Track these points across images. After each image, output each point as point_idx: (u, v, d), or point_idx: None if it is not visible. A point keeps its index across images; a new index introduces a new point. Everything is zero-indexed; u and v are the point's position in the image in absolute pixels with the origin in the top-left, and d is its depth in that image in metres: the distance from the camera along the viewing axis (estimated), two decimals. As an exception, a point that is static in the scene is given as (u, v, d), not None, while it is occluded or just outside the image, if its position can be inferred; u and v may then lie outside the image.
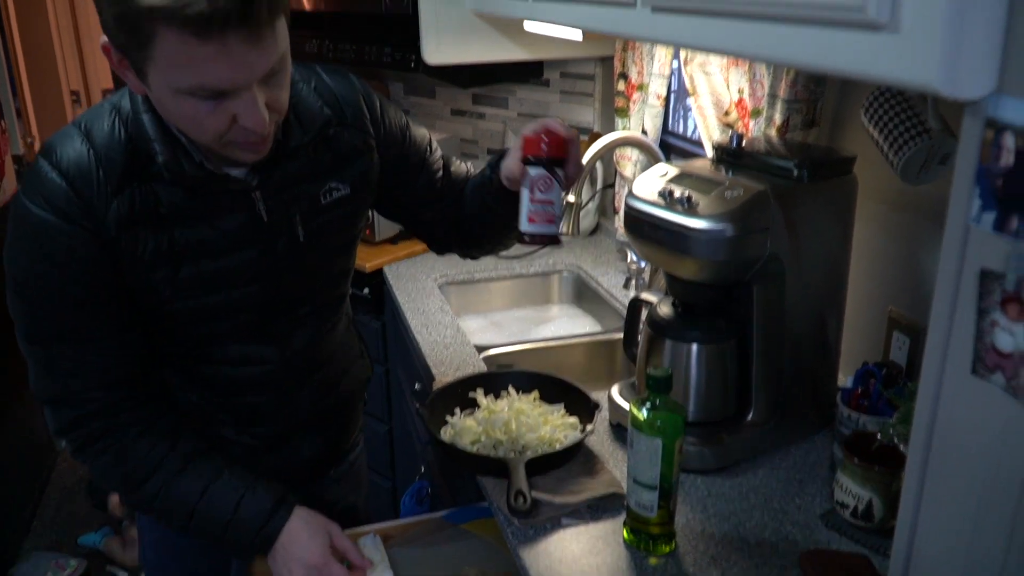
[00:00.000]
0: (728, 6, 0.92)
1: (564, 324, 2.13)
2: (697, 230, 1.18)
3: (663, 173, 1.32)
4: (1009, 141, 0.63)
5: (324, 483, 1.45)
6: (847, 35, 0.75)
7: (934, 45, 0.65)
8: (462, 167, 1.40)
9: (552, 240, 1.17)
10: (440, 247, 1.46)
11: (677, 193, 1.24)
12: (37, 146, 3.37)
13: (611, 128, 2.29)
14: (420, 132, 1.34)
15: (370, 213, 2.24)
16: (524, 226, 1.16)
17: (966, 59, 0.64)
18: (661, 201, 1.25)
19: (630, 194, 1.31)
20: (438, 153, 1.36)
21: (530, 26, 1.86)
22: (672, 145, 2.15)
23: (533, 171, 1.15)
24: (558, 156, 1.15)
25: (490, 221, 1.31)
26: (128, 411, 1.13)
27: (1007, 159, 0.63)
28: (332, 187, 1.19)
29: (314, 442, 1.36)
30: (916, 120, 1.09)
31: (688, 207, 1.20)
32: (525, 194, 1.16)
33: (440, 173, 1.35)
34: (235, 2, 0.87)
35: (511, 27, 2.05)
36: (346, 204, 1.22)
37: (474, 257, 1.48)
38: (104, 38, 0.95)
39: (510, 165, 1.19)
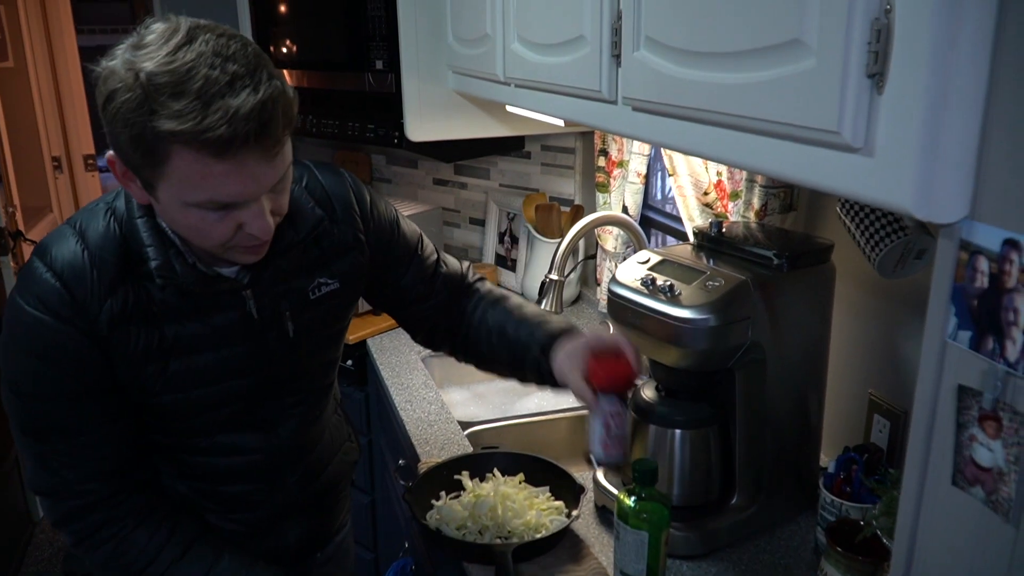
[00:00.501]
0: (707, 114, 0.95)
1: (547, 396, 2.13)
2: (680, 319, 1.20)
3: (644, 260, 1.35)
4: (983, 265, 0.65)
5: (311, 564, 1.44)
6: (822, 153, 0.78)
7: (908, 171, 0.68)
8: (456, 266, 1.41)
9: (621, 462, 1.19)
10: (431, 344, 1.45)
11: (660, 281, 1.26)
12: (19, 216, 3.36)
13: (592, 199, 2.34)
14: (410, 228, 1.35)
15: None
16: (597, 453, 1.16)
17: (940, 184, 0.67)
18: (644, 289, 1.27)
19: (613, 280, 1.34)
20: (429, 249, 1.37)
21: (513, 108, 1.90)
22: (653, 220, 2.19)
23: (607, 404, 1.14)
24: (631, 387, 1.17)
25: (515, 370, 1.34)
26: (125, 500, 1.14)
27: (981, 281, 0.66)
28: (321, 282, 1.20)
29: (301, 526, 1.35)
30: (892, 218, 1.12)
31: (671, 296, 1.23)
32: (598, 425, 1.15)
33: (432, 270, 1.36)
34: (254, 124, 0.90)
35: (493, 105, 2.10)
36: (335, 298, 1.23)
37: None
38: (111, 152, 0.97)
39: (578, 386, 1.18)
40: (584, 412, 1.89)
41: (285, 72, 2.48)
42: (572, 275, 2.41)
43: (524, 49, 1.52)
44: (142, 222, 1.05)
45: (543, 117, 1.72)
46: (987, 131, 0.64)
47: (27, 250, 3.29)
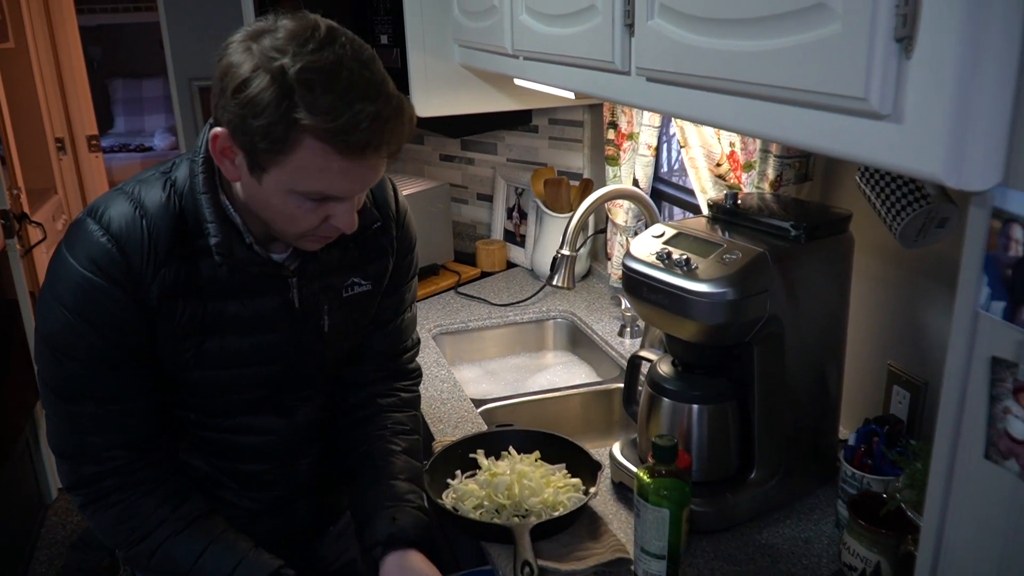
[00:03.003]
0: (725, 83, 0.92)
1: (560, 372, 2.12)
2: (697, 293, 1.19)
3: (659, 234, 1.33)
4: (1018, 233, 0.63)
5: (323, 540, 1.45)
6: (847, 120, 0.76)
7: (939, 137, 0.66)
8: (410, 333, 1.38)
9: None
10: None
11: (675, 255, 1.24)
12: (24, 198, 3.35)
13: (601, 173, 2.31)
14: (417, 260, 1.36)
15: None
16: None
17: (971, 151, 0.65)
18: (659, 263, 1.26)
19: (628, 255, 1.32)
20: (414, 291, 1.37)
21: (521, 82, 1.87)
22: (664, 193, 2.17)
23: None
24: None
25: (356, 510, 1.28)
26: (141, 470, 1.14)
27: (1016, 250, 0.64)
28: (355, 281, 1.22)
29: (313, 504, 1.36)
30: (913, 186, 1.10)
31: (687, 270, 1.21)
32: None
33: (401, 314, 1.34)
34: (388, 132, 0.96)
35: (500, 79, 2.07)
36: (365, 299, 1.25)
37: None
38: (222, 130, 0.98)
39: None
40: (599, 388, 1.89)
41: (288, 49, 2.45)
42: (582, 250, 2.39)
43: (532, 20, 1.49)
44: (206, 198, 1.06)
45: (553, 90, 1.69)
46: (1021, 95, 0.62)
47: (32, 232, 3.27)
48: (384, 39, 2.13)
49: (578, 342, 2.22)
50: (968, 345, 0.69)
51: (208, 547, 1.14)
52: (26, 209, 3.35)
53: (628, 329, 2.05)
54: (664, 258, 1.25)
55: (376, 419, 1.32)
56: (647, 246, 1.31)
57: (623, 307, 2.05)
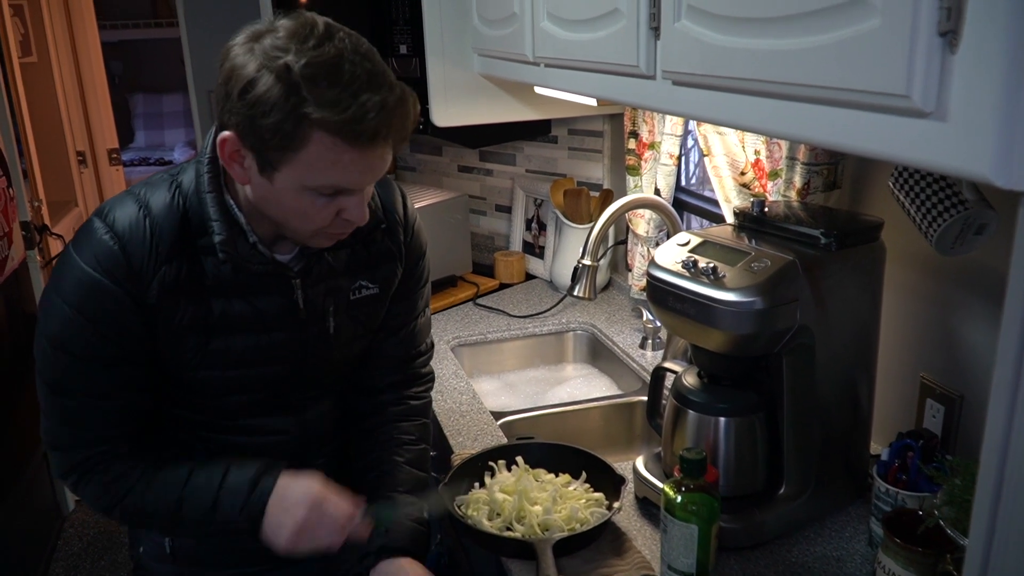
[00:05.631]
0: (756, 84, 0.90)
1: (579, 385, 2.09)
2: (725, 303, 1.15)
3: (684, 242, 1.30)
4: (1071, 234, 0.60)
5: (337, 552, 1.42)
6: (888, 119, 0.73)
7: (986, 135, 0.63)
8: (423, 338, 1.38)
9: None
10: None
11: (702, 264, 1.21)
12: (45, 210, 3.36)
13: (621, 184, 2.28)
14: (428, 267, 1.35)
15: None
16: None
17: (1021, 148, 0.62)
18: (685, 272, 1.22)
19: (653, 264, 1.29)
20: (427, 297, 1.37)
21: (541, 90, 1.85)
22: (686, 203, 2.13)
23: None
24: None
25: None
26: (130, 454, 1.16)
27: (1069, 252, 0.60)
28: (363, 285, 1.23)
29: None
30: (950, 191, 1.06)
31: (714, 279, 1.18)
32: None
33: (414, 320, 1.34)
34: (396, 119, 0.98)
35: (519, 88, 2.05)
36: (372, 303, 1.25)
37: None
38: (230, 134, 0.99)
39: None
40: (620, 400, 1.85)
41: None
42: (602, 261, 2.36)
43: (554, 27, 1.47)
44: (211, 197, 1.07)
45: (575, 97, 1.67)
46: (1074, 89, 0.59)
47: (53, 244, 3.29)
48: (403, 49, 2.12)
49: (598, 355, 2.18)
50: (1018, 354, 0.65)
51: (192, 470, 1.15)
52: (47, 221, 3.36)
53: (650, 341, 2.01)
54: (690, 267, 1.22)
55: (383, 428, 1.33)
56: (672, 255, 1.27)
57: (644, 319, 2.01)
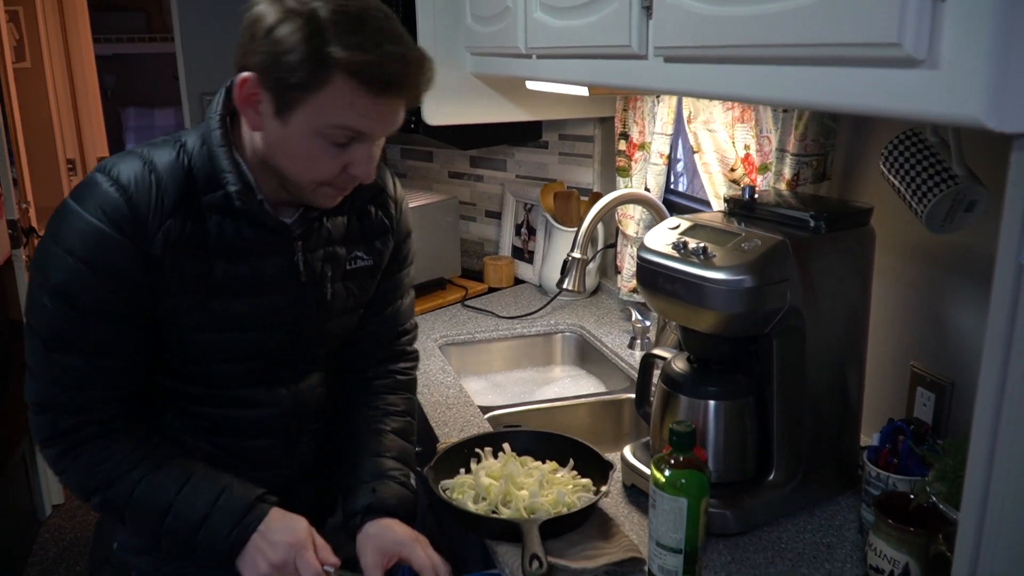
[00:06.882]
0: (749, 50, 0.90)
1: (567, 385, 2.07)
2: (715, 281, 1.15)
3: (675, 226, 1.30)
4: (1065, 174, 0.60)
5: (322, 533, 1.40)
6: (881, 73, 0.73)
7: (978, 79, 0.63)
8: (408, 317, 1.39)
9: None
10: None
11: (692, 245, 1.21)
12: (32, 212, 3.34)
13: (611, 188, 2.29)
14: (414, 249, 1.38)
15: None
16: None
17: (1012, 91, 0.62)
18: (675, 253, 1.22)
19: (643, 247, 1.28)
20: (411, 278, 1.39)
21: (533, 85, 1.86)
22: (676, 204, 2.14)
23: None
24: None
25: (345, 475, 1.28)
26: (122, 418, 1.14)
27: (1063, 193, 0.60)
28: (358, 255, 1.25)
29: (316, 488, 1.34)
30: (940, 167, 1.07)
31: (704, 258, 1.17)
32: None
33: (398, 299, 1.36)
34: (415, 72, 1.02)
35: (511, 88, 2.06)
36: (366, 274, 1.27)
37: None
38: (249, 74, 1.01)
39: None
40: (608, 397, 1.84)
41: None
42: (592, 264, 2.35)
43: (546, 16, 1.47)
44: (223, 151, 1.08)
45: (566, 88, 1.68)
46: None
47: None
48: (396, 48, 2.13)
49: (586, 356, 2.17)
50: (1012, 300, 0.65)
51: (188, 480, 1.13)
52: (34, 224, 3.34)
53: (639, 341, 2.00)
54: (680, 248, 1.22)
55: (370, 400, 1.33)
56: (662, 237, 1.27)
57: (633, 319, 2.01)
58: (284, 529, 1.12)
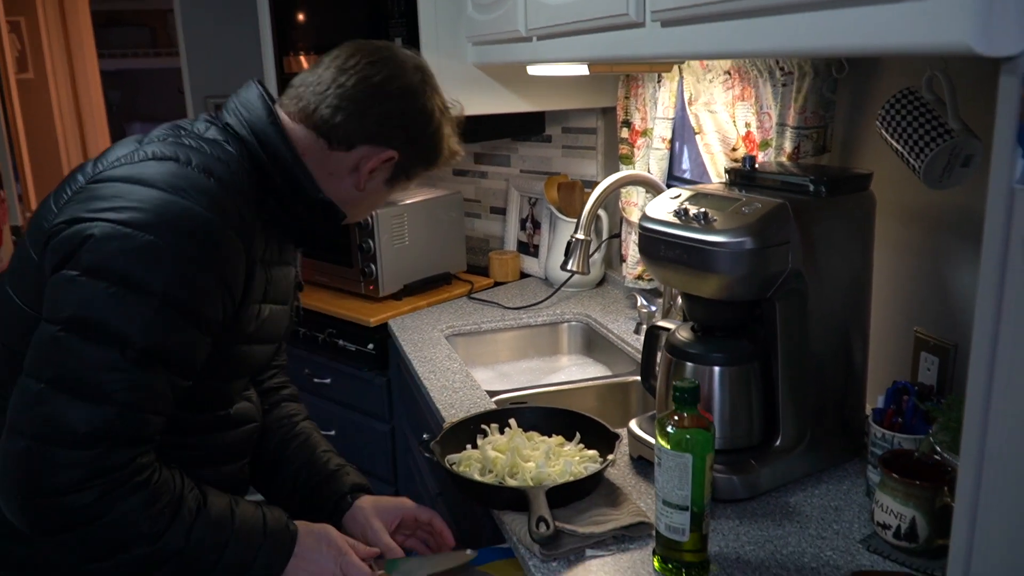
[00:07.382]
0: (741, 4, 0.91)
1: (574, 373, 2.08)
2: (717, 244, 1.15)
3: (676, 195, 1.31)
4: (1054, 95, 0.61)
5: None
6: (871, 11, 0.75)
7: (965, 6, 0.64)
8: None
9: None
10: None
11: (693, 211, 1.22)
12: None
13: (614, 179, 2.30)
14: None
15: (375, 268, 2.23)
16: None
17: (999, 14, 0.63)
18: (677, 220, 1.23)
19: (644, 216, 1.29)
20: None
21: (534, 70, 1.87)
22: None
23: None
24: None
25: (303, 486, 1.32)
26: (158, 465, 1.02)
27: (1053, 114, 0.61)
28: (296, 271, 1.30)
29: (236, 469, 1.28)
30: (936, 123, 1.08)
31: (705, 223, 1.18)
32: None
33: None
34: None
35: (513, 78, 2.08)
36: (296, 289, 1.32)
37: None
38: (393, 152, 1.13)
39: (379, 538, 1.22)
40: (615, 380, 1.84)
41: (303, 57, 2.48)
42: (596, 255, 2.36)
43: (546, -4, 1.49)
44: (299, 167, 1.11)
45: (567, 68, 1.69)
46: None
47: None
48: (399, 41, 2.15)
49: (593, 345, 2.18)
50: (1005, 223, 0.65)
51: (232, 507, 1.05)
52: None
53: (644, 326, 2.00)
54: (681, 215, 1.22)
55: (282, 406, 1.39)
56: (664, 206, 1.28)
57: (639, 304, 2.01)
58: (318, 545, 1.11)
